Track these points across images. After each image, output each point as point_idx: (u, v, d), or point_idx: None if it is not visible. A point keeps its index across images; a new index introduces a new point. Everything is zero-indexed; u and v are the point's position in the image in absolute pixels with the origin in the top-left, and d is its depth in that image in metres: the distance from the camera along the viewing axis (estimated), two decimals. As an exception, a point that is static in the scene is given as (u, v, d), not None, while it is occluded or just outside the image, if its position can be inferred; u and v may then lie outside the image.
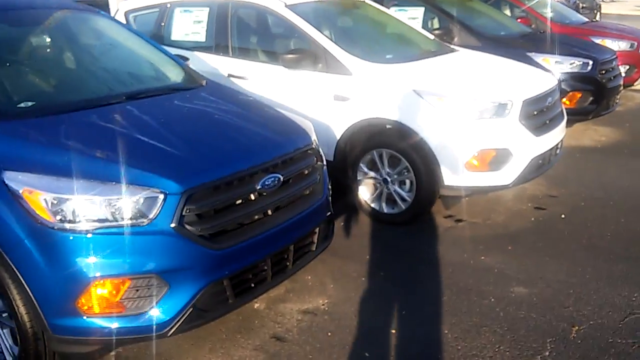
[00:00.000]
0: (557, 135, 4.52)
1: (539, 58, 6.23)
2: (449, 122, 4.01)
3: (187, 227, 2.33)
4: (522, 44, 6.56)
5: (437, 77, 4.23)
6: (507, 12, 9.29)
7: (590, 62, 6.26)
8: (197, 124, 2.88)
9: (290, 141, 2.95)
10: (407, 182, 4.26)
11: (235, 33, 5.03)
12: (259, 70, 4.80)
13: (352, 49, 4.49)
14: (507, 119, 4.07)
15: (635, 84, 8.67)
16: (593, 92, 6.26)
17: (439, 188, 4.14)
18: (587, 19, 9.85)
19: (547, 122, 4.40)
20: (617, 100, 6.93)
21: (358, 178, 4.46)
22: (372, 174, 4.42)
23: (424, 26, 6.78)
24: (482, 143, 4.02)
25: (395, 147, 4.21)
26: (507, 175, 4.11)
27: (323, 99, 4.44)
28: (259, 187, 2.61)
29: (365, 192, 4.48)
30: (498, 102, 4.06)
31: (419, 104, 4.06)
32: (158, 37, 5.54)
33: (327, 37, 4.50)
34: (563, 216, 4.50)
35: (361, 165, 4.42)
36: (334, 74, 4.41)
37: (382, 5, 7.07)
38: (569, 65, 6.22)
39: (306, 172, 3.04)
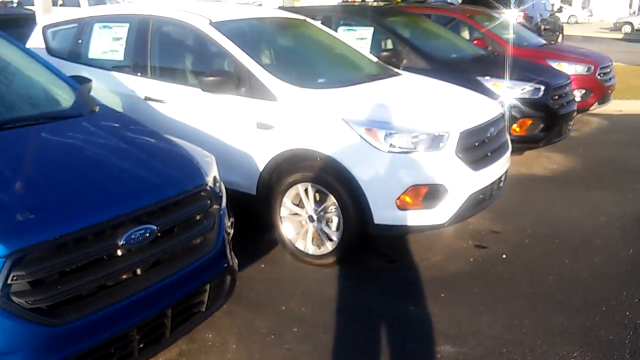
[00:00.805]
0: (499, 167, 4.19)
1: (489, 83, 5.95)
2: (378, 155, 3.63)
3: (15, 298, 1.87)
4: (473, 68, 6.27)
5: (370, 104, 3.85)
6: (466, 34, 9.07)
7: (542, 88, 6.00)
8: (57, 163, 2.43)
9: (176, 183, 2.53)
10: (335, 220, 3.86)
11: (155, 52, 4.60)
12: (178, 93, 4.37)
13: (280, 72, 4.11)
14: (443, 152, 3.71)
15: (590, 108, 8.48)
16: (544, 119, 5.99)
17: (368, 227, 3.75)
18: (545, 42, 9.67)
19: (489, 154, 4.07)
20: (571, 127, 6.69)
21: (282, 214, 4.05)
22: (297, 210, 4.01)
23: (375, 48, 6.47)
24: (414, 178, 3.66)
25: (321, 182, 3.81)
26: (442, 213, 3.74)
27: (245, 126, 4.03)
28: (122, 243, 2.17)
29: (289, 230, 4.07)
30: (433, 133, 3.71)
31: (347, 134, 3.68)
32: (75, 54, 5.11)
33: (252, 58, 4.09)
34: (504, 256, 4.16)
35: (285, 200, 4.02)
36: (258, 99, 4.01)
37: (330, 25, 6.82)
38: (520, 90, 5.95)
39: (197, 217, 2.62)
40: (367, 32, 6.66)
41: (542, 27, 15.86)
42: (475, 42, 8.37)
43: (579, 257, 4.14)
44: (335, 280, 3.79)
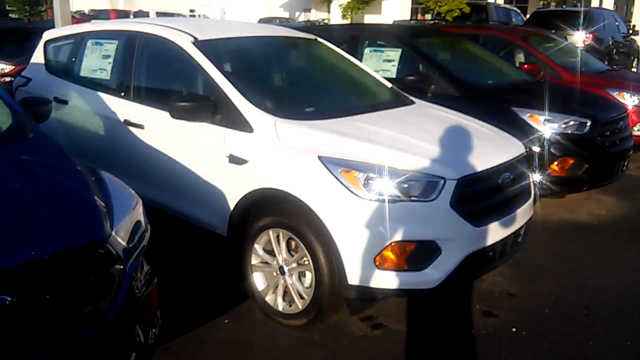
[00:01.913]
0: (515, 220, 3.50)
1: (525, 114, 5.20)
2: (355, 203, 3.05)
3: None
4: (510, 96, 5.54)
5: (356, 140, 3.28)
6: (521, 58, 8.29)
7: (589, 122, 5.19)
8: None
9: (51, 240, 2.05)
10: (308, 275, 3.31)
11: (139, 72, 4.22)
12: (156, 118, 3.95)
13: (261, 98, 3.62)
14: (435, 203, 3.08)
15: (656, 144, 7.48)
16: (589, 159, 5.17)
17: (341, 288, 3.16)
18: (607, 67, 8.71)
19: (500, 204, 3.39)
20: (624, 168, 5.80)
21: (252, 262, 3.53)
22: (268, 259, 3.48)
23: (402, 71, 5.88)
24: (397, 233, 3.04)
25: (292, 229, 3.27)
26: (431, 276, 3.11)
27: (217, 159, 3.56)
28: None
29: (260, 281, 3.54)
30: (424, 180, 3.09)
31: (322, 175, 3.12)
32: (68, 72, 4.82)
33: (231, 82, 3.60)
34: (514, 330, 3.45)
35: (256, 246, 3.50)
36: (233, 129, 3.53)
37: (357, 46, 6.29)
38: (562, 124, 5.17)
39: (92, 279, 2.14)
40: (395, 53, 6.07)
41: (614, 50, 14.60)
42: (526, 66, 7.59)
43: (609, 338, 3.38)
44: (304, 348, 3.22)
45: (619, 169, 5.64)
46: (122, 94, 4.25)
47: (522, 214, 3.60)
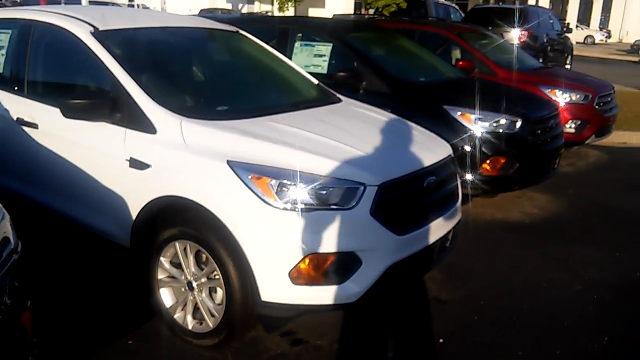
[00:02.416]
0: (442, 226, 3.31)
1: (456, 113, 5.06)
2: (267, 212, 2.77)
3: None
4: (441, 94, 5.38)
5: (271, 143, 2.99)
6: (458, 55, 8.20)
7: (519, 121, 5.10)
8: None
9: None
10: (219, 291, 3.01)
11: (33, 65, 3.80)
12: (51, 116, 3.53)
13: (167, 96, 3.29)
14: (355, 211, 2.84)
15: (587, 141, 7.56)
16: (520, 158, 5.08)
17: (254, 305, 2.88)
18: (540, 64, 8.77)
19: (423, 211, 3.19)
20: (556, 166, 5.77)
21: (159, 276, 3.21)
22: (175, 273, 3.16)
23: (334, 67, 5.64)
24: (313, 245, 2.79)
25: (200, 241, 2.96)
26: (351, 289, 2.87)
27: (117, 162, 3.20)
28: None
29: (167, 297, 3.22)
30: (343, 186, 2.84)
31: (231, 182, 2.82)
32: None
33: (133, 78, 3.25)
34: (441, 340, 3.26)
35: (162, 260, 3.17)
36: (134, 129, 3.18)
37: (287, 39, 6.01)
38: (492, 123, 5.05)
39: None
40: (326, 48, 5.82)
41: (549, 47, 14.88)
42: (461, 63, 7.50)
43: (537, 346, 3.24)
44: (213, 370, 2.93)
45: (550, 168, 5.59)
46: (16, 88, 3.82)
47: (449, 218, 3.42)
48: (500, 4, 22.16)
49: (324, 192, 2.82)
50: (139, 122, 3.15)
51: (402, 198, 3.06)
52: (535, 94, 6.10)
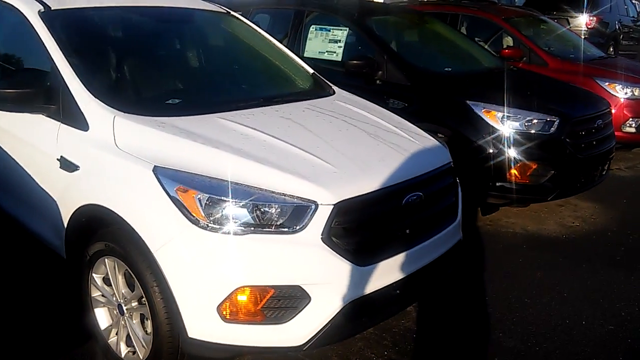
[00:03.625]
0: (427, 253, 2.71)
1: (480, 109, 4.36)
2: (194, 234, 2.27)
3: None
4: (464, 88, 4.68)
5: (212, 147, 2.47)
6: (507, 42, 7.39)
7: (556, 121, 4.34)
8: None
9: None
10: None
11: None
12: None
13: (107, 86, 2.85)
14: (302, 235, 2.29)
15: (651, 142, 6.62)
16: (555, 164, 4.34)
17: (182, 342, 2.39)
18: (602, 54, 7.78)
19: (398, 235, 2.59)
20: (604, 172, 4.95)
21: (92, 294, 2.78)
22: (107, 292, 2.73)
23: (349, 54, 5.06)
24: (250, 275, 2.27)
25: (126, 260, 2.50)
26: (297, 331, 2.33)
27: (48, 161, 2.79)
28: None
29: (102, 319, 2.79)
30: (289, 204, 2.30)
31: (154, 193, 2.34)
32: None
33: (72, 66, 2.81)
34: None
35: (94, 276, 2.74)
36: (68, 125, 2.76)
37: (301, 23, 5.48)
38: (524, 122, 4.32)
39: None
40: (342, 33, 5.24)
41: (621, 35, 13.57)
42: (506, 51, 6.72)
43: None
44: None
45: (596, 175, 4.80)
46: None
47: (442, 242, 2.81)
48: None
49: (264, 210, 2.29)
50: (73, 117, 2.72)
51: (369, 219, 2.47)
52: (583, 89, 5.27)
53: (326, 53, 5.27)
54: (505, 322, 3.28)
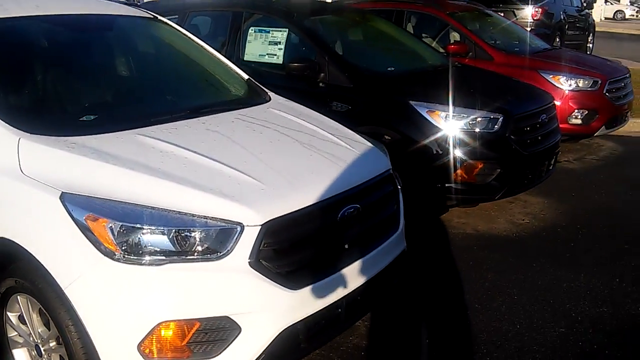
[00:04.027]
0: (369, 267, 2.57)
1: (424, 110, 4.26)
2: (105, 267, 2.06)
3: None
4: (407, 88, 4.56)
5: (126, 168, 2.26)
6: (454, 38, 7.33)
7: (500, 118, 4.27)
8: None
9: None
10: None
11: None
12: None
13: (11, 104, 2.60)
14: (228, 261, 2.12)
15: (596, 133, 6.67)
16: (500, 162, 4.27)
17: (101, 383, 2.18)
18: (546, 46, 7.82)
19: (338, 251, 2.44)
20: (551, 167, 4.93)
21: (9, 334, 2.54)
22: (23, 332, 2.49)
23: (289, 56, 4.88)
24: (172, 308, 2.08)
25: (38, 297, 2.27)
26: (228, 364, 2.15)
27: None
28: None
29: (22, 358, 2.55)
30: (212, 227, 2.12)
31: (63, 224, 2.12)
32: None
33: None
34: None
35: (9, 315, 2.50)
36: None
37: (240, 24, 5.27)
38: (468, 121, 4.24)
39: None
40: (282, 35, 5.06)
41: (567, 25, 13.76)
42: (452, 47, 6.67)
43: None
44: None
45: (542, 170, 4.76)
46: None
47: (384, 254, 2.68)
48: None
49: (185, 236, 2.10)
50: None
51: (303, 238, 2.31)
52: (526, 84, 5.23)
53: (267, 56, 5.08)
54: (455, 331, 3.17)
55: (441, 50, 6.70)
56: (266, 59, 5.08)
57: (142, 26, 3.58)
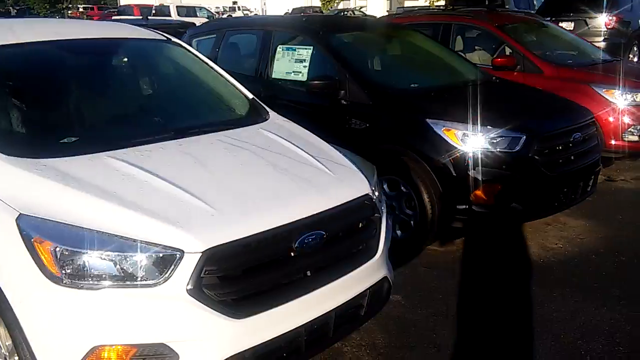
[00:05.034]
0: (334, 296, 2.48)
1: (440, 128, 4.09)
2: (47, 289, 2.10)
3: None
4: (425, 105, 4.38)
5: (80, 192, 2.28)
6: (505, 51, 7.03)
7: (522, 137, 4.01)
8: None
9: None
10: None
11: None
12: None
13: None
14: (165, 287, 2.10)
15: (654, 151, 6.14)
16: (523, 183, 4.01)
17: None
18: (604, 57, 7.28)
19: (297, 279, 2.37)
20: (589, 188, 4.58)
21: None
22: (-5, 346, 2.59)
23: (314, 73, 4.86)
24: (107, 333, 2.09)
25: (1, 313, 2.35)
26: (166, 395, 2.13)
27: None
28: None
29: (-4, 372, 2.65)
30: (150, 252, 2.11)
31: (15, 245, 2.18)
32: None
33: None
34: None
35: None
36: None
37: (269, 43, 5.32)
38: (487, 140, 4.01)
39: None
40: (307, 52, 5.04)
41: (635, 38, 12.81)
42: (499, 60, 6.40)
43: None
44: None
45: (577, 192, 4.43)
46: None
47: (350, 284, 2.56)
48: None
49: (125, 260, 2.10)
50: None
51: (251, 266, 2.26)
52: (565, 100, 4.88)
53: (292, 73, 5.08)
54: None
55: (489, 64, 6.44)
56: (292, 77, 5.08)
57: (148, 48, 3.68)
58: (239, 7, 50.18)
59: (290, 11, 33.73)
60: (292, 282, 2.36)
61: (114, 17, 24.35)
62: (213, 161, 2.68)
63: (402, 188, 4.25)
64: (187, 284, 2.09)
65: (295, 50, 5.13)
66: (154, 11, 29.26)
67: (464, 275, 3.99)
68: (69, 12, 38.95)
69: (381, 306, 2.86)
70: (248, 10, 48.09)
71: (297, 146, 2.98)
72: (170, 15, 28.11)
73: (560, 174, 4.15)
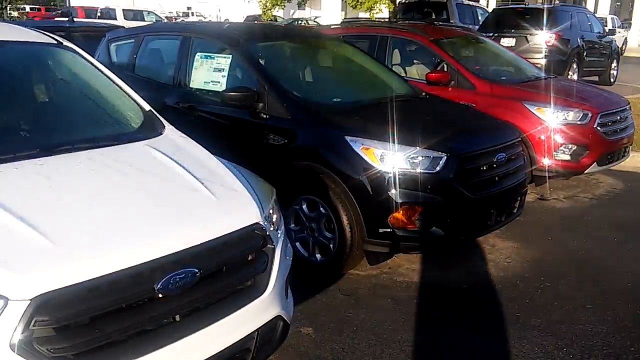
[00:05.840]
0: (204, 344, 2.15)
1: (359, 146, 3.83)
2: None
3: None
4: (344, 122, 4.11)
5: None
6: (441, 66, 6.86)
7: (443, 157, 3.79)
8: None
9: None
10: None
11: None
12: None
13: None
14: (-12, 341, 1.73)
15: (587, 170, 6.07)
16: (443, 206, 3.79)
17: None
18: (537, 75, 7.20)
19: (161, 325, 2.03)
20: (516, 210, 4.42)
21: None
22: None
23: (233, 83, 4.54)
24: None
25: None
26: None
27: None
28: None
29: None
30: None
31: None
32: None
33: None
34: None
35: None
36: None
37: (188, 50, 4.97)
38: (406, 160, 3.78)
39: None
40: (226, 61, 4.72)
41: (584, 52, 13.08)
42: (432, 75, 6.24)
43: None
44: None
45: (503, 213, 4.25)
46: None
47: (231, 327, 2.24)
48: (527, 3, 20.19)
49: None
50: None
51: (101, 313, 1.91)
52: (492, 118, 4.72)
53: (211, 83, 4.75)
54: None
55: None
56: (210, 87, 4.75)
57: (31, 53, 3.28)
58: (192, 13, 49.41)
59: (244, 18, 33.29)
60: (157, 329, 2.02)
61: (56, 19, 23.42)
62: (71, 185, 2.32)
63: (322, 209, 3.98)
64: (11, 339, 1.73)
65: (214, 58, 4.80)
66: (99, 14, 28.33)
67: (382, 303, 3.73)
68: (15, 13, 37.27)
69: (274, 349, 2.56)
70: (202, 16, 47.38)
71: (183, 167, 2.64)
72: (116, 19, 27.26)
73: (483, 195, 3.95)
